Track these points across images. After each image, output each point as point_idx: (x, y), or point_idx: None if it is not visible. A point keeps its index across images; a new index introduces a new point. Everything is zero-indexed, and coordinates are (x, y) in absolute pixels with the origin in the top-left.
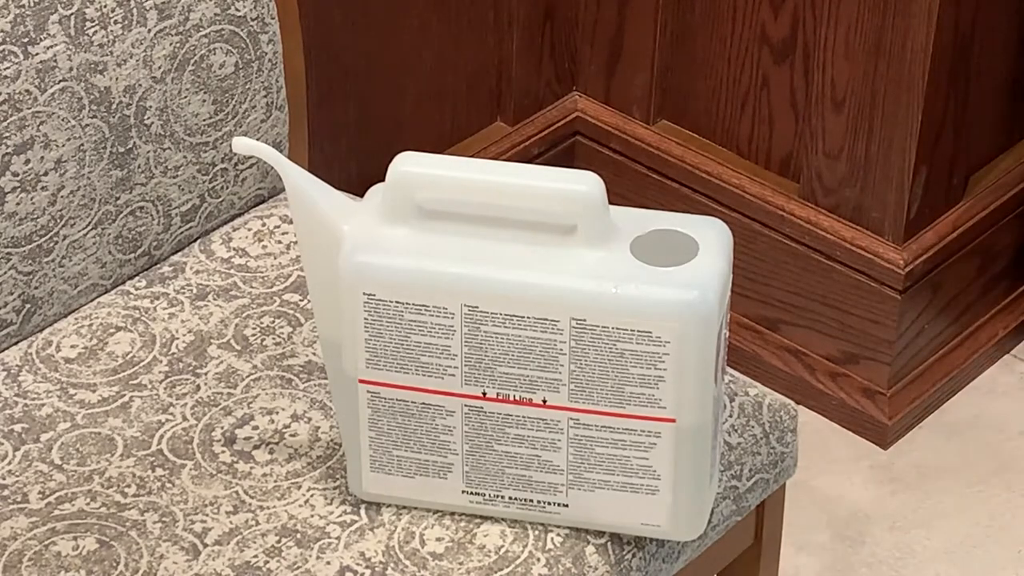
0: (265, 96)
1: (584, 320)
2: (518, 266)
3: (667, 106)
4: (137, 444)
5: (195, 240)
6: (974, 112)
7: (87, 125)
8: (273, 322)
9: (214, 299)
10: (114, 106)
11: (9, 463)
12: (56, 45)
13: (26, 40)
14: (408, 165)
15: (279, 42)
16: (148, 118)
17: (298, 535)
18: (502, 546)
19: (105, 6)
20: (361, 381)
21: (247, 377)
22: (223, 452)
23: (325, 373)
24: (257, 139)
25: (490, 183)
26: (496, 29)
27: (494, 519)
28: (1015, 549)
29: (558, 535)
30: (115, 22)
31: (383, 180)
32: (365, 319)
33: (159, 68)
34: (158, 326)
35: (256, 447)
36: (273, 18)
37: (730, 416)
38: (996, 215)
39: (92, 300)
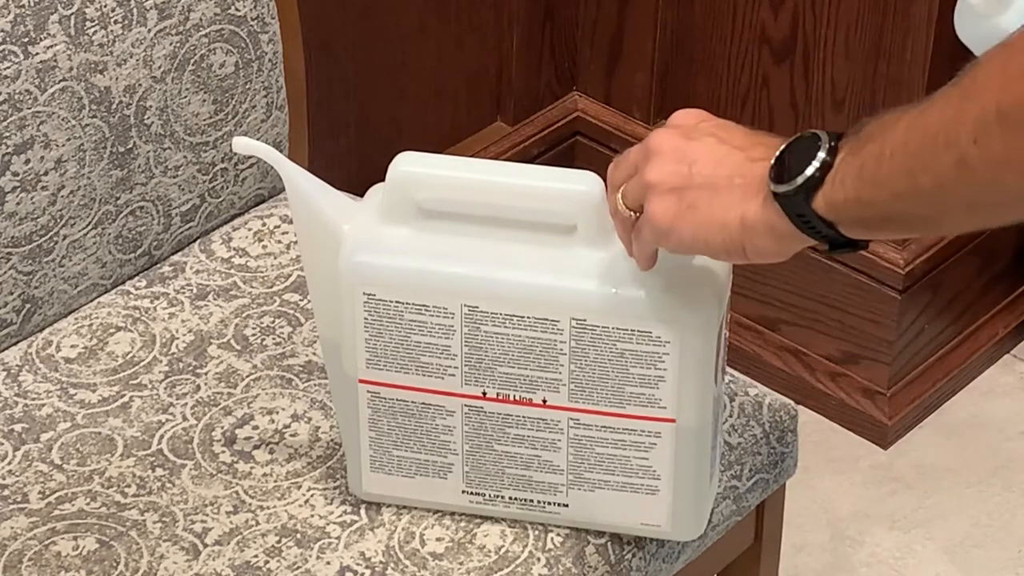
0: (265, 96)
1: (584, 320)
2: (518, 266)
3: (667, 106)
4: (137, 444)
5: (195, 240)
6: None
7: (87, 125)
8: (273, 322)
9: (214, 299)
10: (114, 106)
11: (9, 463)
12: (56, 45)
13: (26, 40)
14: (408, 165)
15: (279, 42)
16: (148, 118)
17: (298, 535)
18: (502, 546)
19: (105, 6)
20: (361, 381)
21: (247, 377)
22: (223, 452)
23: (325, 373)
24: (257, 139)
25: (490, 183)
26: (496, 29)
27: (494, 519)
28: (1015, 549)
29: (558, 535)
30: (115, 22)
31: (383, 180)
32: (365, 319)
33: (159, 68)
34: (158, 326)
35: (256, 447)
36: (273, 18)
37: (730, 416)
38: None
39: (92, 300)
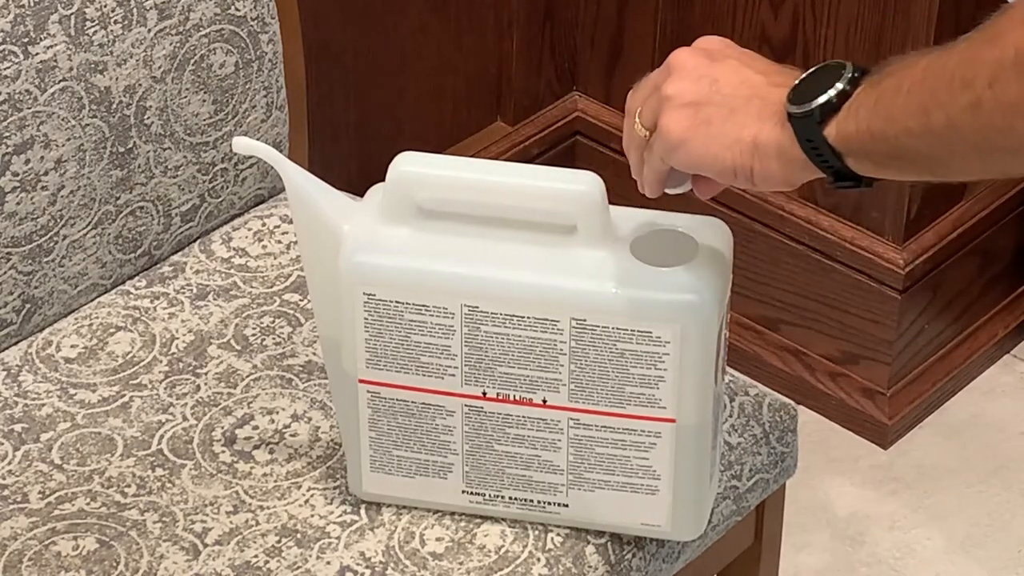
0: (265, 96)
1: (584, 320)
2: (518, 266)
3: None
4: (137, 444)
5: (195, 240)
6: None
7: (87, 125)
8: (273, 322)
9: (214, 299)
10: (114, 106)
11: (9, 463)
12: (56, 45)
13: (26, 40)
14: (408, 165)
15: (279, 42)
16: (148, 118)
17: (298, 535)
18: (502, 546)
19: (105, 6)
20: (361, 381)
21: (247, 377)
22: (223, 452)
23: (325, 373)
24: (257, 139)
25: (490, 183)
26: (496, 29)
27: (494, 519)
28: (1015, 549)
29: (558, 535)
30: (115, 22)
31: (383, 180)
32: (365, 319)
33: (159, 68)
34: (158, 326)
35: (256, 447)
36: (273, 18)
37: (730, 416)
38: (996, 215)
39: (92, 300)
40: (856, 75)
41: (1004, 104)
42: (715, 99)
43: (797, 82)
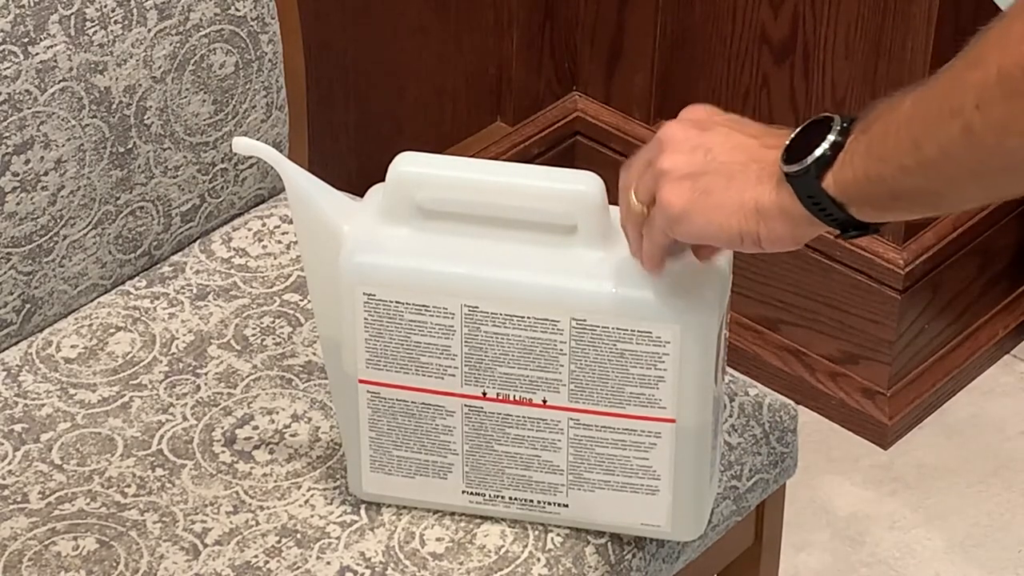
0: (265, 96)
1: (584, 320)
2: (518, 266)
3: (667, 106)
4: (137, 444)
5: (195, 240)
6: None
7: (87, 125)
8: (273, 322)
9: (214, 299)
10: (114, 106)
11: (9, 463)
12: (56, 45)
13: (26, 40)
14: (408, 165)
15: (279, 42)
16: (148, 118)
17: (298, 535)
18: (502, 546)
19: (105, 6)
20: (361, 381)
21: (247, 377)
22: (223, 452)
23: (325, 373)
24: (257, 139)
25: (490, 183)
26: (496, 29)
27: (494, 519)
28: (1015, 549)
29: (558, 535)
30: (115, 22)
31: (383, 180)
32: (365, 319)
33: (159, 68)
34: (158, 326)
35: (256, 447)
36: (273, 18)
37: (730, 416)
38: (996, 215)
39: (92, 300)
40: (846, 125)
41: (993, 124)
42: (711, 168)
43: (788, 141)
